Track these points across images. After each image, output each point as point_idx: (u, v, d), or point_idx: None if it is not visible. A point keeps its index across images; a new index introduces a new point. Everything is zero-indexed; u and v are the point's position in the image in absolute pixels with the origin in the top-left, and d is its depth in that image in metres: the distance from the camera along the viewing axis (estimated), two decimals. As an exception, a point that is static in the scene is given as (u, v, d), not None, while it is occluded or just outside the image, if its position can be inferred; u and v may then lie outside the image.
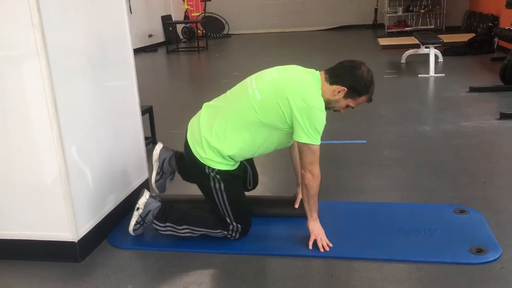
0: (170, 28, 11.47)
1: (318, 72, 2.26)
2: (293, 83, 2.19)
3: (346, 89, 2.17)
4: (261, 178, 2.70)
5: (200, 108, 2.42)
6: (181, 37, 12.02)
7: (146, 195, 2.44)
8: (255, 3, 12.83)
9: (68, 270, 2.22)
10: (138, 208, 2.41)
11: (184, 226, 2.35)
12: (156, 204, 2.42)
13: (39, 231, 2.29)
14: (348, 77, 2.19)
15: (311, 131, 2.13)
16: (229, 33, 12.93)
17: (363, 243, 2.28)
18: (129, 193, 2.73)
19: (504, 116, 4.11)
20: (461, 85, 5.45)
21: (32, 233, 2.29)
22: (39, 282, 2.16)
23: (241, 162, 2.39)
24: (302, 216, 2.39)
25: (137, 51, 9.84)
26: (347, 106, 2.25)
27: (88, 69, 2.39)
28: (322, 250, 2.21)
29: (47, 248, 2.29)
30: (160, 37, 11.44)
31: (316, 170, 2.20)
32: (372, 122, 4.32)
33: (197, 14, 12.62)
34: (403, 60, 7.27)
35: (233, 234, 2.34)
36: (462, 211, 2.52)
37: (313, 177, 2.20)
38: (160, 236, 2.44)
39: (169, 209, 2.41)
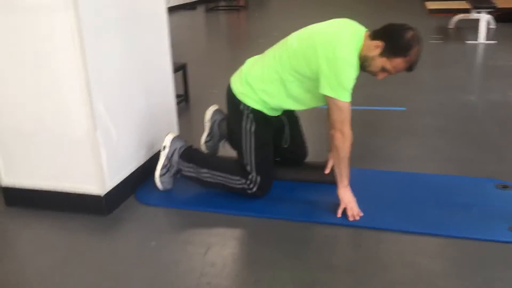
0: (211, -14, 11.25)
1: (365, 30, 2.14)
2: (329, 34, 2.11)
3: (383, 44, 2.03)
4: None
5: (236, 67, 2.42)
6: (221, -5, 11.79)
7: (172, 134, 2.46)
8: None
9: (93, 223, 2.22)
10: (164, 147, 2.41)
11: (205, 169, 2.35)
12: (181, 143, 2.43)
13: (67, 182, 2.29)
14: (390, 33, 2.06)
15: (335, 84, 2.03)
16: (270, -8, 12.59)
17: (395, 214, 2.17)
18: (158, 150, 2.69)
19: (558, 88, 3.84)
20: (512, 54, 5.13)
21: (59, 184, 2.30)
22: (62, 234, 2.17)
23: (279, 116, 2.34)
24: (332, 183, 2.31)
25: (175, 9, 9.74)
26: (383, 69, 2.08)
27: (118, 23, 2.32)
28: (351, 219, 2.12)
29: (73, 200, 2.29)
30: (200, -5, 11.26)
31: (347, 129, 2.10)
32: (413, 89, 4.13)
33: (239, -29, 12.31)
34: (451, 25, 6.91)
35: (251, 186, 2.28)
36: (505, 187, 2.36)
37: (343, 137, 2.10)
38: (185, 192, 2.44)
39: (194, 151, 2.45)
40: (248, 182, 2.29)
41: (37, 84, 2.16)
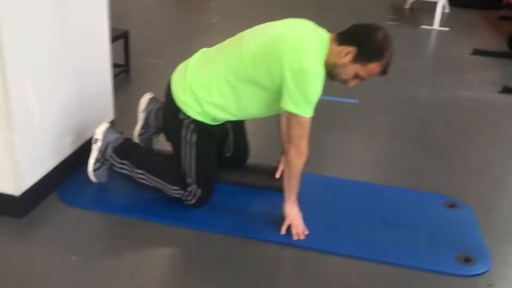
0: None
1: (328, 34, 1.92)
2: (294, 41, 1.84)
3: (355, 50, 1.83)
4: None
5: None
6: None
7: (104, 125, 2.18)
8: None
9: (4, 227, 1.94)
10: (96, 140, 2.14)
11: (141, 171, 2.11)
12: (115, 135, 2.17)
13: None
14: (360, 37, 1.85)
15: (300, 99, 1.81)
16: None
17: (341, 234, 2.04)
18: (89, 138, 2.41)
19: (507, 90, 3.83)
20: (465, 44, 5.09)
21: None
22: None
23: (223, 124, 2.10)
24: (278, 190, 2.15)
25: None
26: (356, 75, 1.89)
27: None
28: (296, 238, 1.98)
29: (-16, 199, 2.00)
30: None
31: (303, 146, 1.91)
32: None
33: None
34: (407, 6, 6.80)
35: (190, 198, 2.08)
36: (452, 206, 2.29)
37: (298, 154, 1.91)
38: (117, 193, 2.20)
39: (130, 147, 2.18)
40: (187, 194, 2.07)
41: None
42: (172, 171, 2.10)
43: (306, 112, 1.84)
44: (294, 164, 1.93)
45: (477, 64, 4.58)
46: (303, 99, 1.81)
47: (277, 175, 2.28)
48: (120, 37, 3.53)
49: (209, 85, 1.94)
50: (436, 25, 5.77)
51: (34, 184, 2.04)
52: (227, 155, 2.24)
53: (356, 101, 3.51)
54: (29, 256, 1.82)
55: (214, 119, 2.01)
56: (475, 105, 3.61)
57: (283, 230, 2.00)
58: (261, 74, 1.86)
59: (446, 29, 5.75)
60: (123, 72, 3.63)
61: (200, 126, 2.00)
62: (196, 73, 1.99)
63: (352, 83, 1.94)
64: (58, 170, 2.20)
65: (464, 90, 3.86)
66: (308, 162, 2.39)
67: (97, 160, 2.16)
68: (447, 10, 6.62)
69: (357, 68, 1.86)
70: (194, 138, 2.01)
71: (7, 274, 1.72)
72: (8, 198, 1.97)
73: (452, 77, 4.17)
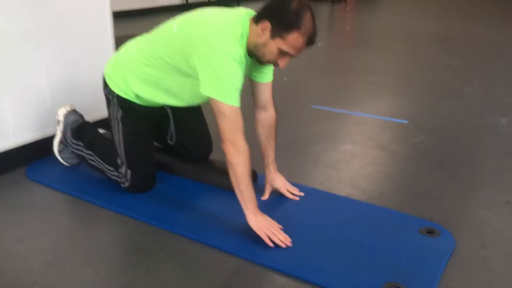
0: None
1: (250, 16, 1.74)
2: (207, 24, 1.72)
3: (269, 24, 1.64)
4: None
5: None
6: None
7: (67, 107, 2.26)
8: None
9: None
10: (59, 122, 2.24)
11: (90, 152, 2.13)
12: (74, 117, 2.24)
13: None
14: (272, 9, 1.67)
15: (216, 80, 1.64)
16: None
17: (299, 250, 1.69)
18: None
19: None
20: None
21: None
22: None
23: (162, 108, 2.03)
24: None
25: None
26: (281, 52, 1.67)
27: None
28: (283, 246, 1.68)
29: None
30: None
31: (240, 140, 1.67)
32: (444, 102, 3.46)
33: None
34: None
35: (123, 180, 2.01)
36: (430, 232, 1.79)
37: (236, 151, 1.67)
38: (74, 174, 2.23)
39: (84, 128, 2.22)
40: (120, 175, 2.03)
41: None
42: (113, 153, 2.07)
43: (229, 97, 1.64)
44: (236, 163, 1.68)
45: None
46: (219, 80, 1.64)
47: (265, 197, 2.02)
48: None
49: (134, 60, 1.91)
50: None
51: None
52: (171, 143, 2.15)
53: (407, 121, 3.04)
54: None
55: (139, 97, 1.95)
56: None
57: (270, 244, 1.69)
58: (177, 57, 1.77)
59: None
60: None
61: (123, 102, 1.97)
62: (127, 48, 2.00)
63: (282, 62, 1.72)
64: (33, 146, 2.32)
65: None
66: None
67: (61, 142, 2.24)
68: None
69: (278, 43, 1.66)
70: (119, 114, 1.99)
71: None
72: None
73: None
